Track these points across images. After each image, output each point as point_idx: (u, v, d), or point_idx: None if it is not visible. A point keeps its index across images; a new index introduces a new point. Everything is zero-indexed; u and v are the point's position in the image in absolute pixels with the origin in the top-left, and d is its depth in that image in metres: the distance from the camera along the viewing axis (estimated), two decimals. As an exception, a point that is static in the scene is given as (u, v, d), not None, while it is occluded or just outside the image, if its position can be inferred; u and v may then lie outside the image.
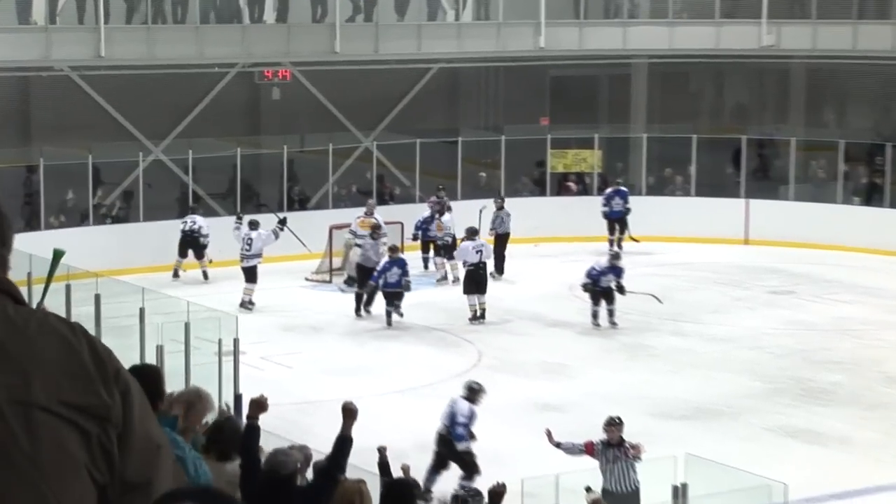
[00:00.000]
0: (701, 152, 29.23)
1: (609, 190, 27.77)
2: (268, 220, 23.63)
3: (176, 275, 24.88)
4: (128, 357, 11.34)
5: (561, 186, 29.61)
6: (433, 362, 19.66)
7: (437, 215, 25.30)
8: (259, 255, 23.01)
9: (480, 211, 25.58)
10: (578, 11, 29.76)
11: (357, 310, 22.26)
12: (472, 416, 14.25)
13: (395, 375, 18.89)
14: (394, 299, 21.55)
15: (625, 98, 31.35)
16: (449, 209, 25.77)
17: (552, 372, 19.00)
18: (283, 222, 23.56)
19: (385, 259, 21.94)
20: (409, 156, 27.90)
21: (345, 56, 27.47)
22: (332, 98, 28.69)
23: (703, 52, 29.73)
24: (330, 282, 24.69)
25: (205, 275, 24.83)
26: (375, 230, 23.25)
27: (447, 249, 24.83)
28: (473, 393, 14.43)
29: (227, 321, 15.56)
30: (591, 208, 27.92)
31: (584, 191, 29.57)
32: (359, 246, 23.97)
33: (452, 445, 14.26)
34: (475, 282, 22.31)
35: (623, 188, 27.79)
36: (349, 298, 22.91)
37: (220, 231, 25.10)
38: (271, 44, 27.13)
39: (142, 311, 15.87)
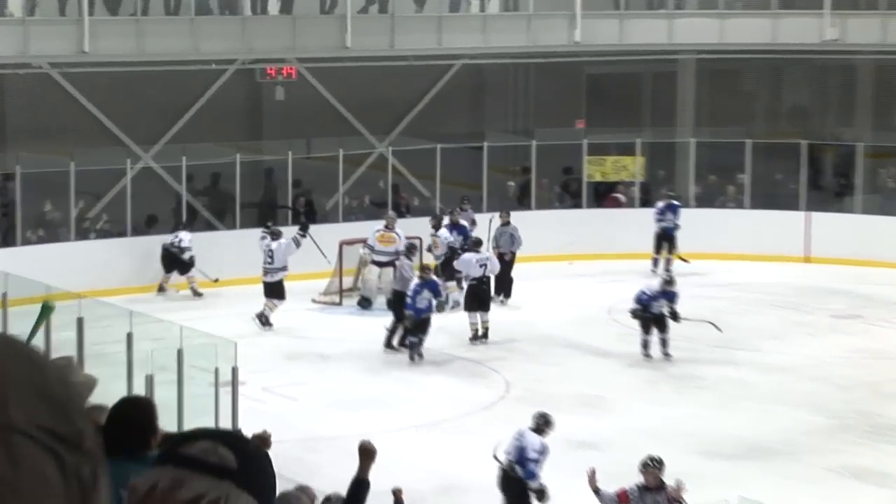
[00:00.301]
0: (756, 159, 29.18)
1: (661, 204, 27.59)
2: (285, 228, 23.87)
3: (161, 289, 25.07)
4: (114, 388, 11.35)
5: (604, 197, 29.48)
6: (455, 394, 19.64)
7: (432, 230, 25.24)
8: (283, 269, 23.06)
9: (490, 221, 25.61)
10: (618, 2, 29.78)
11: (388, 343, 21.70)
12: (543, 451, 14.27)
13: (412, 409, 18.87)
14: (419, 330, 21.12)
15: (670, 98, 31.33)
16: (474, 223, 25.76)
17: (588, 405, 18.95)
18: (304, 228, 23.63)
19: (415, 281, 21.59)
20: (428, 163, 27.89)
21: (357, 51, 27.52)
22: (343, 98, 28.75)
23: (758, 46, 29.72)
24: (340, 303, 24.71)
25: (194, 291, 24.94)
26: (412, 249, 23.20)
27: (445, 268, 24.24)
28: (546, 424, 14.44)
29: (225, 348, 15.56)
30: (631, 222, 27.88)
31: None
32: (375, 264, 23.98)
33: (518, 483, 14.27)
34: (478, 298, 22.25)
35: (676, 202, 27.59)
36: (360, 322, 22.90)
37: (219, 248, 25.15)
38: (275, 38, 27.19)
39: (129, 336, 15.90)
